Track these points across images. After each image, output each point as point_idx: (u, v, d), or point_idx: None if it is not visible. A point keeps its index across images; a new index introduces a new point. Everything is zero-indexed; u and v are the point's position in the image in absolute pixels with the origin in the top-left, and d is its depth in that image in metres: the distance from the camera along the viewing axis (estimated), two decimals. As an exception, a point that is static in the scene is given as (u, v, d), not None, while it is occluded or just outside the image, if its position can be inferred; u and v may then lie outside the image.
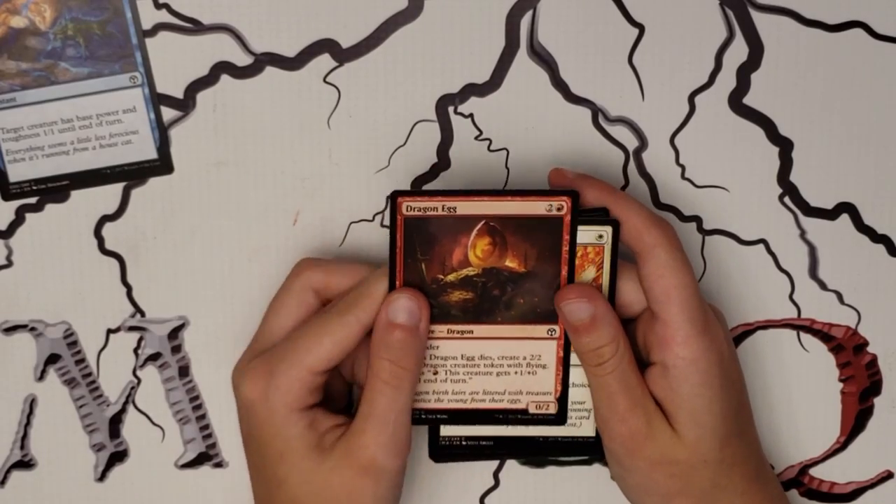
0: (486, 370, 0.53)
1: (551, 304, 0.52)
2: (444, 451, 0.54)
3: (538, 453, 0.55)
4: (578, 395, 0.53)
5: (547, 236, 0.51)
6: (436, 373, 0.53)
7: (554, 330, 0.52)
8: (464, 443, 0.54)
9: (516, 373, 0.53)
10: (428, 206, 0.50)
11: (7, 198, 0.57)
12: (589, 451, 0.55)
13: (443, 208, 0.51)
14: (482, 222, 0.51)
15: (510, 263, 0.51)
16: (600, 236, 0.51)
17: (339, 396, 0.55)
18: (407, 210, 0.50)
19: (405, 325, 0.51)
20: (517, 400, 0.53)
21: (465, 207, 0.50)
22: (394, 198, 0.50)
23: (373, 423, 0.51)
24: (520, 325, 0.52)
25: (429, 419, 0.53)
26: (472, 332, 0.52)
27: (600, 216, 0.52)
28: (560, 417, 0.53)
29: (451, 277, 0.51)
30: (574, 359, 0.53)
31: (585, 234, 0.51)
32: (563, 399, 0.53)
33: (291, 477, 0.52)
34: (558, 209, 0.51)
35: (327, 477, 0.51)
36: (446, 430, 0.54)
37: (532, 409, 0.53)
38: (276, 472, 0.52)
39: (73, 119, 0.56)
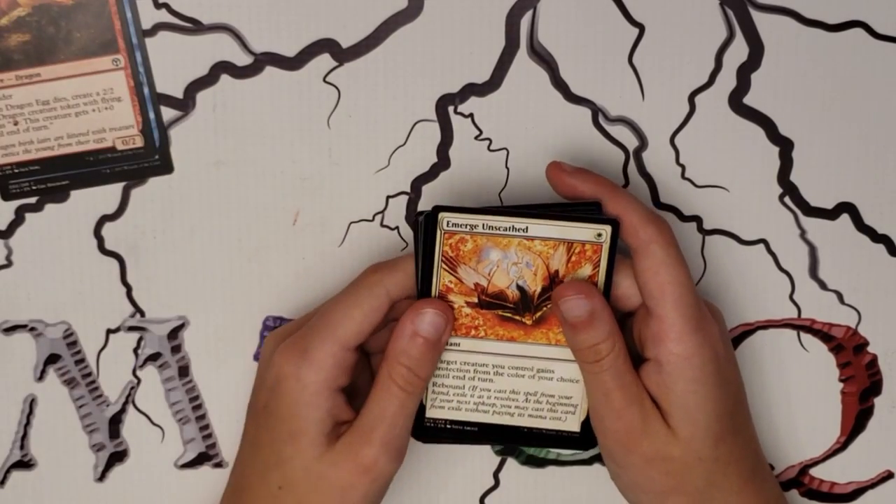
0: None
1: None
2: (428, 432, 0.54)
3: (522, 443, 0.55)
4: (566, 390, 0.53)
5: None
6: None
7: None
8: (448, 426, 0.54)
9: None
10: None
11: (7, 198, 0.57)
12: (571, 445, 0.54)
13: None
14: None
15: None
16: (599, 234, 0.51)
17: (365, 391, 0.55)
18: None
19: (429, 338, 0.51)
20: None
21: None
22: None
23: (382, 424, 0.52)
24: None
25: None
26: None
27: (593, 211, 0.52)
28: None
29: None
30: (561, 353, 0.53)
31: (584, 231, 0.51)
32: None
33: (294, 459, 0.52)
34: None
35: (327, 469, 0.52)
36: (432, 413, 0.54)
37: None
38: (280, 450, 0.52)
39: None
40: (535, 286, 0.52)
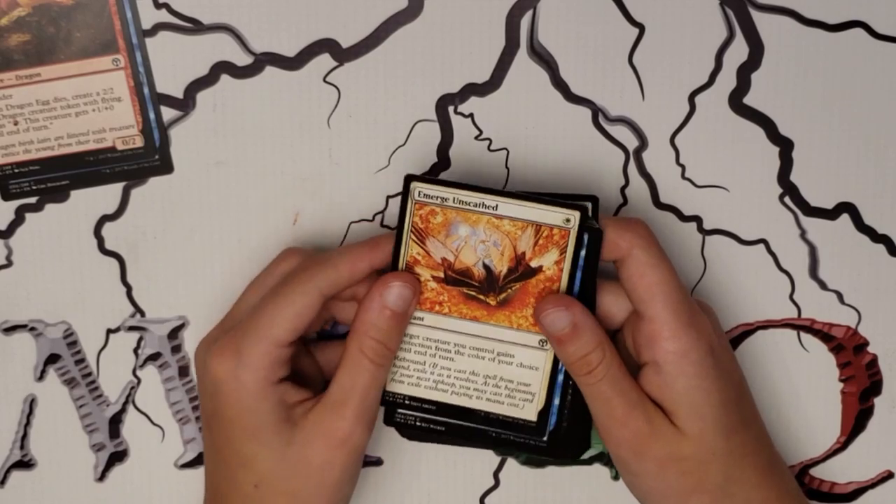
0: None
1: None
2: (398, 426, 0.54)
3: (486, 446, 0.56)
4: (525, 376, 0.53)
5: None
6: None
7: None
8: (407, 402, 0.54)
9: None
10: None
11: (7, 198, 0.57)
12: (528, 433, 0.54)
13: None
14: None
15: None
16: (567, 220, 0.51)
17: (307, 373, 0.56)
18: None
19: (397, 310, 0.52)
20: None
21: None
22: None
23: (355, 397, 0.52)
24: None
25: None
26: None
27: (578, 202, 0.52)
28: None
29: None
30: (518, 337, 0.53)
31: (553, 215, 0.51)
32: (543, 414, 0.53)
33: (260, 454, 0.52)
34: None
35: (300, 450, 0.52)
36: (392, 387, 0.54)
37: None
38: (241, 450, 0.52)
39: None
40: (501, 266, 0.52)
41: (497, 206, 0.51)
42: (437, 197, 0.51)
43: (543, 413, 0.53)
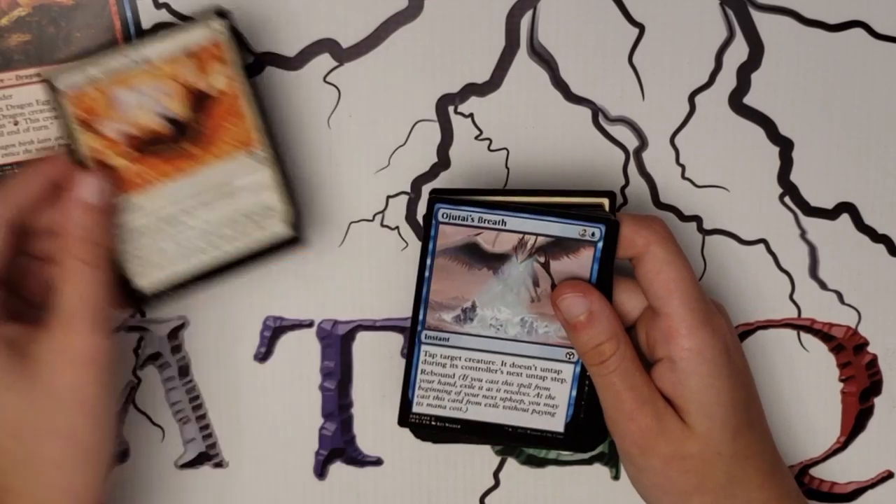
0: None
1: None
2: (412, 426, 0.54)
3: (505, 442, 0.55)
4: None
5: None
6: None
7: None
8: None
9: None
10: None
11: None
12: (556, 446, 0.54)
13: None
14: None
15: None
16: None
17: (22, 308, 0.53)
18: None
19: (99, 203, 0.50)
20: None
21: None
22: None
23: (86, 307, 0.49)
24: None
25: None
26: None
27: (599, 212, 0.52)
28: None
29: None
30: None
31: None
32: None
33: (7, 402, 0.49)
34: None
35: (46, 382, 0.49)
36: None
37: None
38: None
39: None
40: (181, 109, 0.51)
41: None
42: (91, 78, 0.49)
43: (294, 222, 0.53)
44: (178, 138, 0.51)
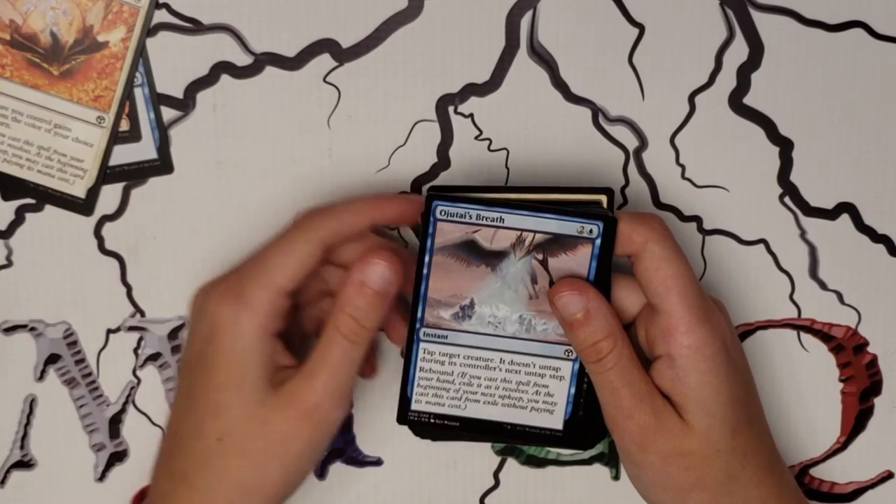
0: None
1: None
2: (411, 424, 0.54)
3: (504, 440, 0.55)
4: (79, 152, 0.53)
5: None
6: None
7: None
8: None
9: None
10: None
11: (7, 198, 0.57)
12: (555, 443, 0.54)
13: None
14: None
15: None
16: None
17: (294, 342, 0.55)
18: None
19: (377, 289, 0.51)
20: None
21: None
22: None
23: (325, 369, 0.51)
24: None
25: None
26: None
27: (597, 209, 0.52)
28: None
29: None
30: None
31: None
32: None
33: (234, 406, 0.52)
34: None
35: (269, 414, 0.51)
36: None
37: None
38: (219, 398, 0.52)
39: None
40: (68, 37, 0.51)
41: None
42: None
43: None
44: (50, 56, 0.51)
